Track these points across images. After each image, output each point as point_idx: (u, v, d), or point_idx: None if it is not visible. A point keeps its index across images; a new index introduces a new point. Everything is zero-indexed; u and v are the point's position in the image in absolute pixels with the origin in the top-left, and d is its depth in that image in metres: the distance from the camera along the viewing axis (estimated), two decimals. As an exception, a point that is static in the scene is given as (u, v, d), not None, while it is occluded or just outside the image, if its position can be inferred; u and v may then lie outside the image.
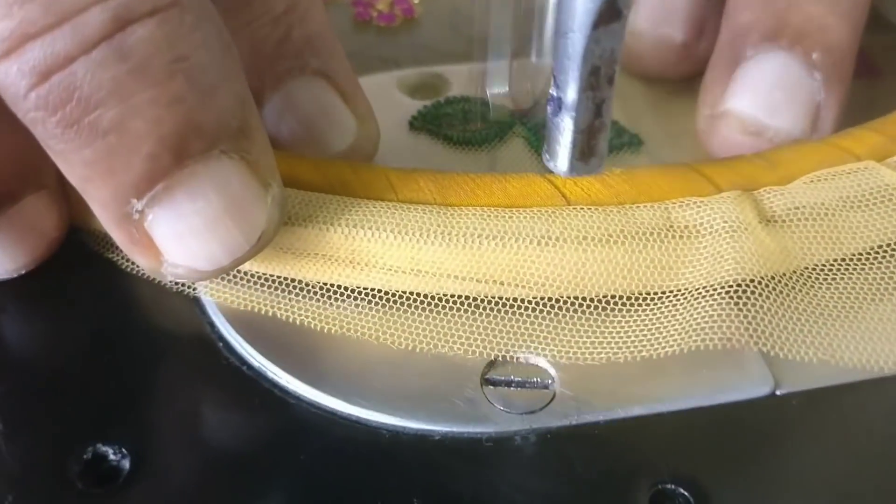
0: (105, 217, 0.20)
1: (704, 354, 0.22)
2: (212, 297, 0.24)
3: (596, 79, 0.18)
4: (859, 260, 0.24)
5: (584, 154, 0.20)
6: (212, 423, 0.22)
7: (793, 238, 0.23)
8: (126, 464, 0.21)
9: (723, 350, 0.22)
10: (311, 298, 0.24)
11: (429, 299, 0.23)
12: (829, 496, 0.20)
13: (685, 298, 0.23)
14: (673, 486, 0.20)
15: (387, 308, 0.23)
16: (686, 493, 0.20)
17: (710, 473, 0.20)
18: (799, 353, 0.22)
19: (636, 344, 0.22)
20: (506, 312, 0.23)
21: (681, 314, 0.22)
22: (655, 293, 0.23)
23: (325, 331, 0.23)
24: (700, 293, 0.23)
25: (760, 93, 0.28)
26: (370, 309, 0.23)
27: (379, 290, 0.23)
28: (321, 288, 0.24)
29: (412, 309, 0.23)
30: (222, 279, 0.24)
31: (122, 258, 0.25)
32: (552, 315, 0.23)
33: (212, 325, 0.24)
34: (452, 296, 0.23)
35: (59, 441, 0.21)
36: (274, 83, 0.26)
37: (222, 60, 0.20)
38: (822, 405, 0.22)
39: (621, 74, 0.33)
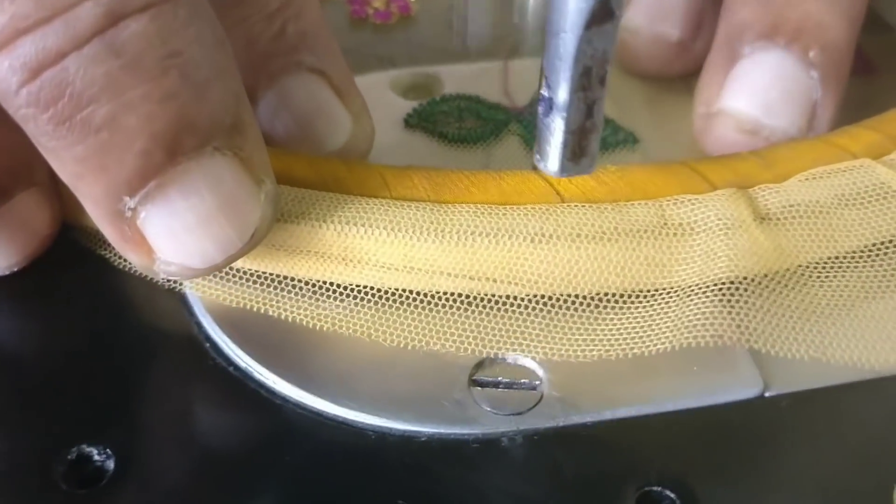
0: (97, 214, 0.20)
1: (693, 356, 0.22)
2: (204, 295, 0.24)
3: (588, 79, 0.18)
4: (854, 258, 0.24)
5: (576, 155, 0.20)
6: (197, 423, 0.22)
7: (787, 236, 0.23)
8: (111, 465, 0.20)
9: (712, 351, 0.22)
10: (303, 295, 0.24)
11: (422, 296, 0.23)
12: (818, 498, 0.20)
13: (678, 296, 0.23)
14: (660, 489, 0.20)
15: (379, 305, 0.23)
16: (673, 496, 0.20)
17: (698, 476, 0.20)
18: (791, 351, 0.22)
19: (628, 341, 0.22)
20: (499, 310, 0.23)
21: (673, 312, 0.22)
22: (649, 291, 0.23)
23: (317, 328, 0.23)
24: (693, 291, 0.23)
25: (757, 91, 0.28)
26: (363, 306, 0.23)
27: (372, 288, 0.23)
28: (314, 285, 0.24)
29: (405, 306, 0.23)
30: (215, 276, 0.24)
31: (115, 255, 0.25)
32: (545, 312, 0.23)
33: (199, 325, 0.24)
34: (445, 293, 0.23)
35: (43, 441, 0.21)
36: (268, 80, 0.26)
37: (216, 56, 0.19)
38: (811, 407, 0.22)
39: (617, 72, 0.33)
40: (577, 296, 0.23)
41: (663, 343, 0.22)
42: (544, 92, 0.19)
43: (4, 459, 0.20)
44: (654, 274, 0.23)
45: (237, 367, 0.23)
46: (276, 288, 0.24)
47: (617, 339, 0.22)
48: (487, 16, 0.38)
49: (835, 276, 0.24)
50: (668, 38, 0.32)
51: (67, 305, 0.24)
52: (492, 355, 0.22)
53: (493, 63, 0.34)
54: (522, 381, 0.22)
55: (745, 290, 0.22)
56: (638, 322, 0.23)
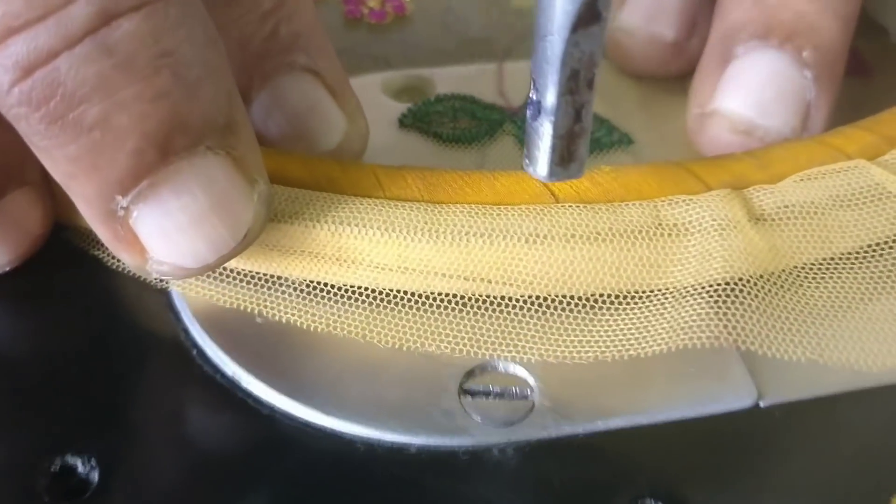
0: (89, 214, 0.20)
1: (686, 364, 0.22)
2: (197, 295, 0.24)
3: (575, 83, 0.18)
4: (849, 259, 0.24)
5: (564, 159, 0.19)
6: (183, 433, 0.21)
7: (782, 237, 0.23)
8: (95, 476, 0.20)
9: (705, 360, 0.22)
10: (297, 296, 0.24)
11: (416, 297, 0.23)
12: (812, 509, 0.20)
13: (673, 297, 0.23)
14: (653, 501, 0.20)
15: (373, 306, 0.23)
16: None
17: (691, 487, 0.20)
18: (786, 353, 0.22)
19: (623, 342, 0.22)
20: (493, 311, 0.23)
21: (668, 313, 0.22)
22: (643, 292, 0.23)
23: (308, 332, 0.23)
24: (688, 291, 0.23)
25: (751, 91, 0.28)
26: (356, 306, 0.23)
27: (365, 288, 0.23)
28: (307, 285, 0.24)
29: (399, 307, 0.23)
30: (207, 276, 0.24)
31: (108, 255, 0.25)
32: (539, 313, 0.23)
33: (186, 332, 0.23)
34: (439, 294, 0.23)
35: (25, 452, 0.21)
36: (262, 80, 0.26)
37: (208, 56, 0.19)
38: (805, 417, 0.22)
39: (612, 72, 0.33)
40: (571, 296, 0.23)
41: (658, 344, 0.22)
42: (533, 95, 0.19)
43: (-15, 470, 0.20)
44: (649, 275, 0.23)
45: (224, 376, 0.22)
46: (269, 288, 0.24)
47: (612, 340, 0.22)
48: (483, 16, 0.38)
49: (830, 278, 0.24)
50: (662, 38, 0.32)
51: (55, 309, 0.24)
52: (486, 356, 0.22)
53: (487, 66, 0.34)
54: (513, 390, 0.22)
55: (740, 291, 0.22)
56: (633, 323, 0.23)
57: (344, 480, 0.20)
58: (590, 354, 0.22)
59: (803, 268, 0.24)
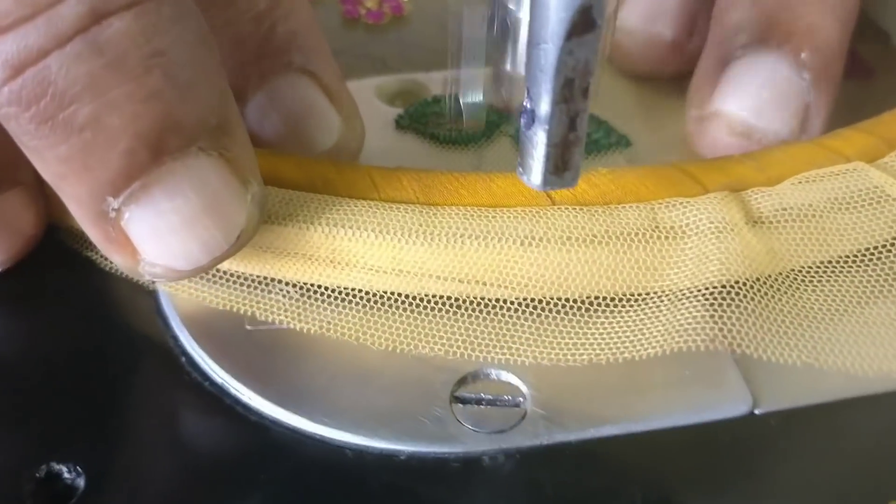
0: (81, 215, 0.20)
1: (681, 371, 0.22)
2: (190, 297, 0.23)
3: (570, 91, 0.18)
4: (847, 262, 0.24)
5: (558, 168, 0.19)
6: (171, 440, 0.21)
7: (780, 239, 0.23)
8: (81, 483, 0.20)
9: (700, 367, 0.22)
10: (290, 298, 0.23)
11: (410, 299, 0.23)
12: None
13: (669, 300, 0.23)
14: None
15: (367, 308, 0.23)
16: None
17: (686, 495, 0.20)
18: (782, 356, 0.22)
19: (619, 345, 0.22)
20: (488, 313, 0.23)
21: (665, 315, 0.22)
22: (640, 294, 0.23)
23: (301, 335, 0.23)
24: (685, 294, 0.22)
25: (749, 94, 0.27)
26: (351, 309, 0.23)
27: (360, 290, 0.23)
28: (301, 287, 0.23)
29: (393, 309, 0.23)
30: (200, 278, 0.24)
31: (100, 257, 0.25)
32: (535, 316, 0.23)
33: (175, 338, 0.23)
34: (434, 296, 0.23)
35: (10, 458, 0.20)
36: (258, 81, 0.26)
37: (200, 56, 0.19)
38: (801, 424, 0.21)
39: (610, 74, 0.33)
40: (567, 299, 0.23)
41: (654, 347, 0.22)
42: (527, 104, 0.18)
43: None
44: (646, 277, 0.23)
45: (213, 382, 0.22)
46: (262, 290, 0.24)
47: (608, 343, 0.22)
48: (481, 16, 0.38)
49: (828, 281, 0.23)
50: (661, 39, 0.32)
51: (46, 312, 0.24)
52: (481, 359, 0.22)
53: (480, 70, 0.34)
54: (505, 397, 0.22)
55: (737, 294, 0.22)
56: (629, 326, 0.22)
57: (334, 488, 0.20)
58: (584, 357, 0.22)
59: (800, 271, 0.23)
